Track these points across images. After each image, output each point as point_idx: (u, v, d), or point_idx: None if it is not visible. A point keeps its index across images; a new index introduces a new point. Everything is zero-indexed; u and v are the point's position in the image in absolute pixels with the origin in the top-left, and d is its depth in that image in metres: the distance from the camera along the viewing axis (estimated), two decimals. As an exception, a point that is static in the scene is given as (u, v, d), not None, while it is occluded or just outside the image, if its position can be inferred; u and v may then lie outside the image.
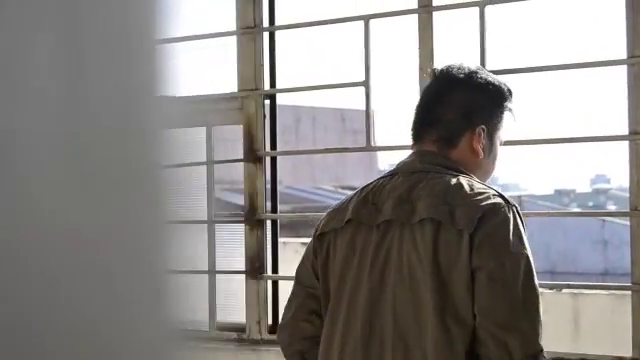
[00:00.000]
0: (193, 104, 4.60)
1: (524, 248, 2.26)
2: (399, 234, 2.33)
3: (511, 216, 2.27)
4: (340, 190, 25.88)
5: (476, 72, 2.54)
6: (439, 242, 2.25)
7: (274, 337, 4.31)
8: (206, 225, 4.50)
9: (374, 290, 2.35)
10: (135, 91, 0.84)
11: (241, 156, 4.43)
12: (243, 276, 4.40)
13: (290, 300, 2.62)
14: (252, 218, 4.38)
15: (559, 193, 43.30)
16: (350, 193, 2.59)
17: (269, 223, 4.43)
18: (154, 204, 0.88)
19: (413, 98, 3.97)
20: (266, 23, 4.44)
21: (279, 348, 4.20)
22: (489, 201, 2.28)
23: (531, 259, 2.26)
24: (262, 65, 4.41)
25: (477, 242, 2.22)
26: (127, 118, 0.83)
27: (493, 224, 2.24)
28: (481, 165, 2.49)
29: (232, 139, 4.57)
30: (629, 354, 3.60)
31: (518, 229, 2.27)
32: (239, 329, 4.43)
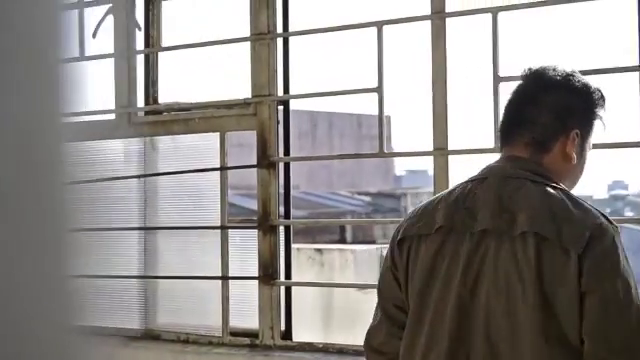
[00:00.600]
0: (206, 109, 4.62)
1: (631, 271, 2.21)
2: (496, 245, 2.25)
3: (617, 237, 2.22)
4: (356, 195, 25.86)
5: (572, 75, 2.45)
6: (543, 258, 2.18)
7: (287, 343, 4.33)
8: (219, 231, 4.50)
9: (464, 300, 2.28)
10: (38, 110, 0.84)
11: (255, 161, 4.44)
12: (256, 282, 4.40)
13: (375, 314, 2.54)
14: (265, 224, 4.39)
15: (614, 197, 43.04)
16: (433, 197, 2.52)
17: (282, 229, 4.43)
18: (52, 218, 0.89)
19: (426, 103, 4.01)
20: (280, 29, 4.44)
21: (291, 353, 4.24)
22: (596, 221, 2.22)
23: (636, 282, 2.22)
24: (275, 71, 4.42)
25: (587, 264, 2.15)
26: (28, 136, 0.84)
27: (603, 246, 2.18)
28: (572, 171, 2.43)
29: (249, 144, 4.56)
30: None
31: (624, 251, 2.23)
32: (252, 335, 4.43)
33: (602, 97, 2.46)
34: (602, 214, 2.25)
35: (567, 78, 2.43)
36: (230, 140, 4.61)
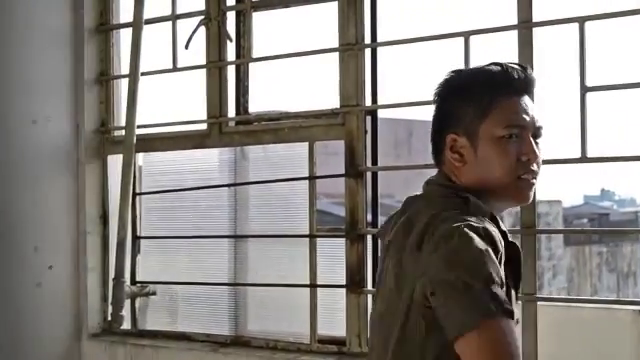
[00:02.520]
0: (295, 119, 4.68)
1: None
2: (386, 256, 2.34)
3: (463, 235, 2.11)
4: None
5: (456, 73, 2.38)
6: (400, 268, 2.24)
7: (374, 351, 4.35)
8: (308, 239, 4.56)
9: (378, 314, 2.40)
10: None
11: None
12: (344, 290, 4.44)
13: None
14: (353, 232, 4.42)
15: None
16: None
17: (370, 237, 4.46)
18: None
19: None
20: (368, 40, 4.47)
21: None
22: (436, 221, 2.18)
23: None
24: (363, 81, 4.45)
25: None
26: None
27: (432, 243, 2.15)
28: (469, 172, 2.29)
29: (339, 152, 4.60)
30: None
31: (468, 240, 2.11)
32: (339, 342, 4.47)
33: (488, 78, 2.28)
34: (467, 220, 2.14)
35: (443, 84, 2.36)
36: (324, 147, 4.65)
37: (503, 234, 2.21)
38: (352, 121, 4.45)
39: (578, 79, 3.86)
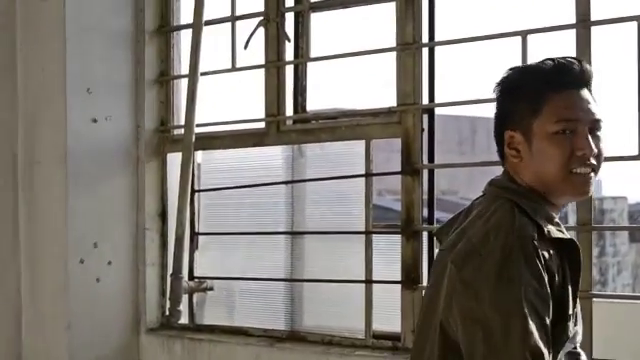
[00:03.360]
0: (353, 118, 4.74)
1: (514, 295, 2.11)
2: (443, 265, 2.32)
3: (502, 255, 2.15)
4: None
5: (509, 72, 2.41)
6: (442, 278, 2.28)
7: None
8: (364, 236, 4.61)
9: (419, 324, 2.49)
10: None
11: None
12: (399, 286, 4.49)
13: None
14: (408, 229, 4.47)
15: None
16: None
17: (425, 234, 4.51)
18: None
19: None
20: (425, 39, 4.52)
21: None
22: (479, 235, 2.22)
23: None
24: (420, 80, 4.50)
25: (459, 280, 2.21)
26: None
27: (474, 263, 2.17)
28: (533, 171, 2.31)
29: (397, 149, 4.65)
30: None
31: (506, 269, 2.14)
32: (394, 338, 4.52)
33: (536, 74, 2.32)
34: (513, 224, 2.20)
35: (500, 81, 2.40)
36: (389, 145, 4.70)
37: (556, 239, 2.25)
38: (408, 119, 4.50)
39: (636, 77, 3.88)
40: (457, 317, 2.17)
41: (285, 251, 5.00)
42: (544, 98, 2.28)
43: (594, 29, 4.03)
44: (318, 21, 4.97)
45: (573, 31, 4.06)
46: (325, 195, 4.90)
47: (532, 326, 2.08)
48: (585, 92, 2.32)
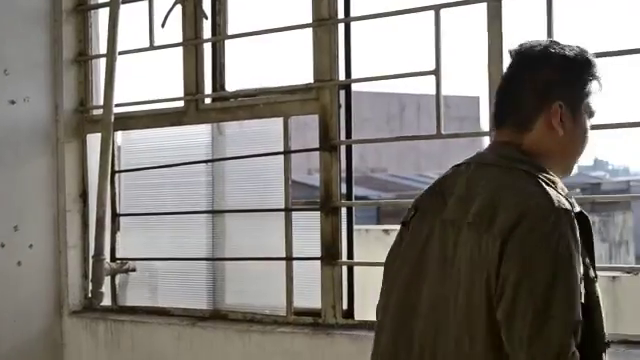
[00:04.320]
0: (270, 95, 4.73)
1: (573, 262, 2.13)
2: (454, 235, 2.27)
3: (560, 221, 2.15)
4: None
5: (549, 46, 2.39)
6: (478, 251, 2.19)
7: (348, 321, 4.42)
8: (283, 213, 4.61)
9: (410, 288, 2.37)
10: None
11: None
12: (319, 262, 4.50)
13: None
14: (327, 205, 4.47)
15: None
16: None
17: (344, 210, 4.51)
18: None
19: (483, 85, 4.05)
20: (341, 14, 4.52)
21: (353, 332, 4.32)
22: (530, 201, 2.17)
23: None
24: (337, 56, 4.50)
25: (509, 248, 2.14)
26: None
27: (531, 228, 2.14)
28: (564, 145, 2.37)
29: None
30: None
31: (571, 237, 2.15)
32: (315, 314, 4.53)
33: (587, 61, 2.38)
34: (560, 195, 2.20)
35: (544, 51, 2.37)
36: (310, 123, 4.70)
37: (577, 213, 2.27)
38: (326, 96, 4.50)
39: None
40: (509, 288, 2.13)
41: (206, 230, 4.98)
42: (592, 84, 2.40)
43: (505, 2, 4.05)
44: (235, -1, 4.95)
45: (484, 5, 4.08)
46: (245, 173, 4.89)
47: (578, 305, 2.14)
48: None
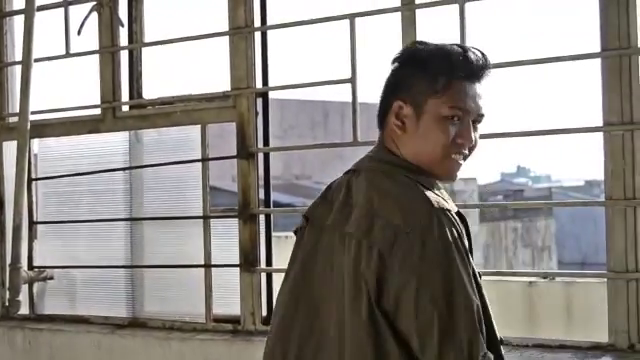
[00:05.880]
0: (188, 102, 4.74)
1: (456, 268, 2.15)
2: (336, 244, 2.28)
3: (435, 227, 2.15)
4: None
5: (415, 43, 2.43)
6: (358, 261, 2.20)
7: (268, 328, 4.43)
8: (202, 220, 4.63)
9: (294, 295, 2.38)
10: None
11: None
12: (237, 269, 4.52)
13: None
14: (245, 213, 4.50)
15: (590, 184, 43.03)
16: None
17: (262, 217, 4.54)
18: None
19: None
20: (258, 23, 4.55)
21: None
22: (411, 206, 2.19)
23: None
24: (254, 64, 4.53)
25: (389, 261, 2.15)
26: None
27: (410, 240, 2.14)
28: (407, 142, 2.34)
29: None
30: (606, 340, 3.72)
31: (451, 241, 2.16)
32: (234, 321, 4.55)
33: (444, 60, 2.32)
34: (438, 197, 2.22)
35: (404, 49, 2.41)
36: (221, 130, 4.71)
37: (461, 215, 2.29)
38: (243, 103, 4.53)
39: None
40: (402, 298, 2.14)
41: (125, 238, 4.97)
42: (447, 82, 2.30)
43: (418, 12, 4.12)
44: (152, 6, 4.95)
45: (399, 14, 4.14)
46: (163, 181, 4.89)
47: (473, 298, 2.15)
48: (481, 86, 2.38)
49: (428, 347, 2.11)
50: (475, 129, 2.35)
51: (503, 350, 2.31)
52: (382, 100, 2.39)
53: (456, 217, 2.22)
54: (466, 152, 2.35)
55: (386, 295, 2.15)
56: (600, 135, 3.77)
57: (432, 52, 2.34)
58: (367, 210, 2.22)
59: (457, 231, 2.18)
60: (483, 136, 3.88)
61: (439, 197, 2.23)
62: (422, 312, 2.12)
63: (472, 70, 2.32)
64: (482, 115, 2.37)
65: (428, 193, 2.22)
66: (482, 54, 2.36)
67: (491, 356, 2.14)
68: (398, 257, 2.14)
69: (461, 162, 2.36)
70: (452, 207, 2.26)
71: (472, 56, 2.32)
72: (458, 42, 2.42)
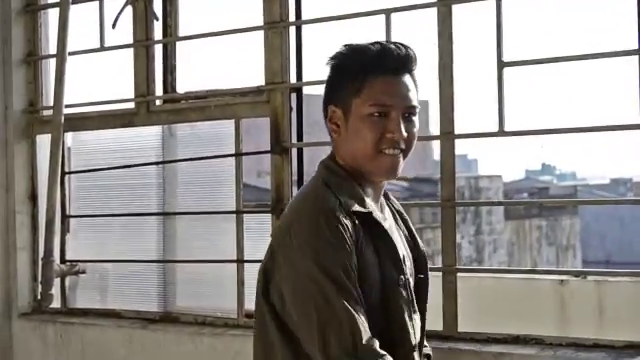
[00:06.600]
0: (222, 97, 4.72)
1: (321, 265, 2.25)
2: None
3: (317, 223, 2.28)
4: (394, 181, 25.82)
5: (336, 52, 2.49)
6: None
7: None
8: (234, 215, 4.61)
9: None
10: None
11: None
12: (270, 265, 4.50)
13: None
14: (278, 208, 4.47)
15: (615, 182, 42.91)
16: None
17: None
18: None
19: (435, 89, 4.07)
20: (292, 17, 4.52)
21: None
22: (298, 205, 2.35)
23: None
24: (288, 59, 4.51)
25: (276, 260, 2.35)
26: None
27: (284, 241, 2.33)
28: (343, 145, 2.42)
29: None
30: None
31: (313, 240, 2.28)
32: (267, 316, 4.52)
33: (359, 60, 2.39)
34: (316, 201, 2.33)
35: (331, 57, 2.48)
36: (247, 126, 4.69)
37: (355, 212, 2.31)
38: (277, 98, 4.51)
39: (495, 55, 3.95)
40: (283, 292, 2.32)
41: (157, 232, 4.96)
42: (365, 80, 2.40)
43: (455, 7, 4.08)
44: (187, 0, 4.93)
45: (435, 9, 4.11)
46: (196, 175, 4.88)
47: (348, 287, 2.26)
48: (406, 78, 2.43)
49: (309, 337, 2.25)
50: (409, 121, 2.39)
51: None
52: (323, 110, 2.48)
53: (353, 217, 2.31)
54: (402, 146, 2.43)
55: (272, 289, 2.35)
56: (630, 133, 3.73)
57: (351, 54, 2.43)
58: (284, 213, 2.43)
59: (342, 228, 2.26)
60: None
61: (338, 199, 2.32)
62: (300, 305, 2.27)
63: (392, 65, 2.39)
64: (412, 107, 2.42)
65: (324, 194, 2.33)
66: (405, 47, 2.43)
67: (375, 343, 2.22)
68: (281, 254, 2.31)
69: (399, 157, 2.42)
70: (359, 208, 2.35)
71: (391, 51, 2.39)
72: (384, 39, 2.45)
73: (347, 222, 2.28)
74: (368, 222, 2.36)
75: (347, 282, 2.23)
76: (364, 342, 2.19)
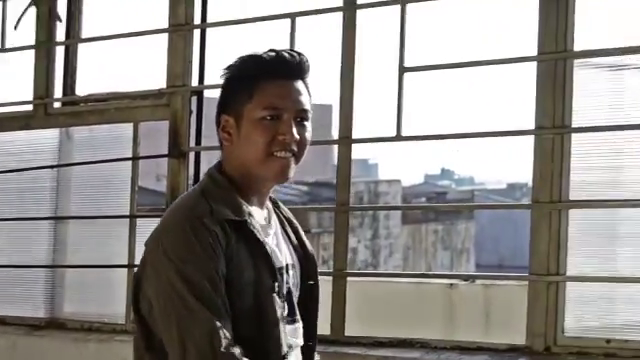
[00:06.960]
0: (122, 100, 4.64)
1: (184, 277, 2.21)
2: None
3: (184, 231, 2.23)
4: (294, 185, 25.57)
5: (227, 65, 2.46)
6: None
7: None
8: (128, 220, 4.51)
9: None
10: None
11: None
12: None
13: None
14: (173, 212, 4.38)
15: (512, 187, 43.67)
16: None
17: (190, 218, 4.43)
18: None
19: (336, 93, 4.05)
20: (198, 20, 4.48)
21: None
22: (169, 215, 2.29)
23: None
24: (190, 62, 4.45)
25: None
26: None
27: (151, 257, 2.26)
28: (234, 151, 2.39)
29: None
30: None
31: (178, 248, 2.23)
32: (155, 323, 4.41)
33: (251, 66, 2.37)
34: (186, 209, 2.28)
35: (224, 68, 2.42)
36: (147, 129, 4.62)
37: (228, 221, 2.28)
38: (177, 101, 4.44)
39: (397, 60, 3.95)
40: (152, 302, 2.23)
41: (48, 237, 4.82)
42: (256, 85, 2.35)
43: (360, 12, 4.07)
44: (91, 2, 4.87)
45: (340, 14, 4.10)
46: (91, 180, 4.76)
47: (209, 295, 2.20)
48: (298, 84, 2.42)
49: (171, 348, 2.19)
50: (301, 126, 2.38)
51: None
52: (216, 120, 2.42)
53: (224, 224, 2.25)
54: (294, 149, 2.36)
55: (142, 299, 2.28)
56: (527, 138, 3.75)
57: (244, 60, 2.38)
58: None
59: (209, 235, 2.21)
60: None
61: (210, 206, 2.27)
62: (164, 314, 2.20)
63: (284, 70, 2.36)
64: (304, 110, 2.39)
65: (196, 203, 2.27)
66: (299, 54, 2.40)
67: (235, 350, 2.16)
68: (150, 263, 2.24)
69: (291, 159, 2.38)
70: (232, 216, 2.30)
71: (284, 57, 2.36)
72: (280, 47, 2.44)
73: (215, 229, 2.23)
74: (243, 230, 2.33)
75: (211, 291, 2.17)
76: (222, 349, 2.14)
